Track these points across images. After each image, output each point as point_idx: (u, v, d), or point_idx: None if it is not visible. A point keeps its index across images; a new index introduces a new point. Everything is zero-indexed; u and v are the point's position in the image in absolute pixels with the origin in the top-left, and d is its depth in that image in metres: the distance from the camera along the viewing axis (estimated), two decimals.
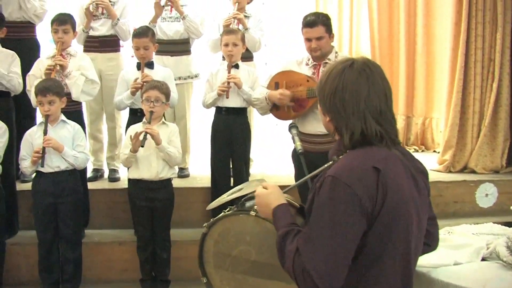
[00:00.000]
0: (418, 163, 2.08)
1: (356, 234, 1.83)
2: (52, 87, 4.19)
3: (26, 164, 4.20)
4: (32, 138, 4.26)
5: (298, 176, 4.29)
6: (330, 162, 2.01)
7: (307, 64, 4.26)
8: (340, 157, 1.96)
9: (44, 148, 4.07)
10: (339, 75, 1.95)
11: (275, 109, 4.37)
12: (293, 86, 4.20)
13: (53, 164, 4.15)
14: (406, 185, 1.91)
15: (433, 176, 5.40)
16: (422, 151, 6.82)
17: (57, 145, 4.12)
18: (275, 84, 4.33)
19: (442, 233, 3.56)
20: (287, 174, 5.44)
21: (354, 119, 1.91)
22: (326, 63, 4.13)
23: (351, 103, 1.91)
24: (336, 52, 4.24)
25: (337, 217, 1.81)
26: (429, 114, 6.85)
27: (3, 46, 4.77)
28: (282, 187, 2.21)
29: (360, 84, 1.92)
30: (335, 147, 2.03)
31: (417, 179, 1.98)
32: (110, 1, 5.32)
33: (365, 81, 1.93)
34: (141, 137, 4.06)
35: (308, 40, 4.14)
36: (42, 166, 4.10)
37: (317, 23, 4.10)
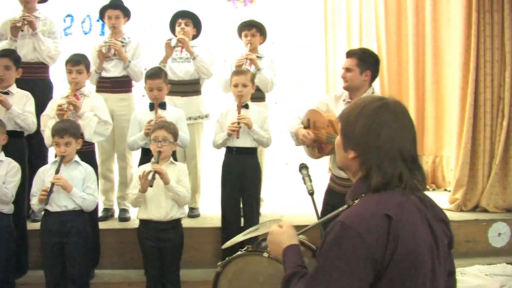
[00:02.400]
0: (439, 210, 2.00)
1: (362, 283, 1.77)
2: (70, 128, 4.24)
3: (34, 201, 4.22)
4: (44, 175, 4.29)
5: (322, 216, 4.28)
6: (345, 206, 1.99)
7: (344, 100, 4.26)
8: (355, 201, 1.92)
9: (52, 186, 4.08)
10: (375, 112, 1.91)
11: (306, 145, 4.40)
12: (318, 128, 4.23)
13: (61, 203, 4.16)
14: (421, 234, 1.83)
15: None
16: (433, 189, 6.80)
17: (66, 184, 4.13)
18: (307, 120, 4.35)
19: None
20: (298, 214, 5.45)
21: (387, 161, 1.87)
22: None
23: (386, 144, 1.87)
24: (373, 92, 4.20)
25: (342, 263, 1.77)
26: (440, 153, 6.85)
27: (17, 87, 4.85)
28: (294, 227, 2.20)
29: (396, 126, 1.89)
30: (352, 190, 1.98)
31: (434, 227, 1.89)
32: (122, 42, 5.40)
33: (400, 123, 1.91)
34: (149, 177, 4.06)
35: (342, 68, 4.22)
36: (46, 204, 4.11)
37: (352, 55, 4.17)
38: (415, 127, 1.97)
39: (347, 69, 4.14)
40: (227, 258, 2.56)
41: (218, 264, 2.56)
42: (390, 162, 1.86)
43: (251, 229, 2.72)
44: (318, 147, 4.26)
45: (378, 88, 6.83)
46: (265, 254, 2.39)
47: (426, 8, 6.77)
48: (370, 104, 1.94)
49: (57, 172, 4.14)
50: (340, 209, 2.04)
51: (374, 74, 4.20)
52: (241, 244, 2.73)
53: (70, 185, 4.15)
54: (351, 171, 2.00)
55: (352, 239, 1.76)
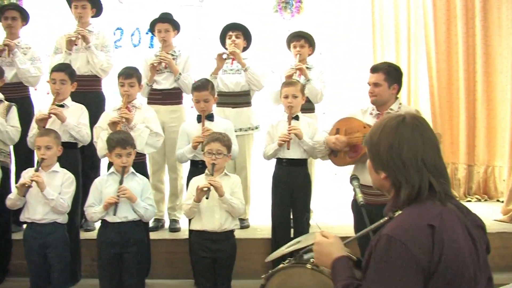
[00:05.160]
0: (475, 217, 2.06)
1: None
2: (130, 139, 4.34)
3: (95, 210, 4.27)
4: (102, 186, 4.35)
5: (357, 227, 4.30)
6: (386, 218, 2.04)
7: (371, 114, 4.31)
8: (396, 213, 1.97)
9: (118, 197, 4.16)
10: (394, 131, 1.99)
11: (333, 155, 4.43)
12: (351, 133, 4.26)
13: (121, 214, 4.22)
14: (462, 241, 1.90)
15: (497, 227, 5.26)
16: (485, 200, 6.68)
17: (131, 196, 4.21)
18: (336, 130, 4.38)
19: None
20: (347, 225, 5.39)
21: (413, 173, 1.94)
22: (389, 113, 4.12)
23: (409, 158, 1.94)
24: (400, 104, 4.27)
25: (393, 275, 1.82)
26: (491, 163, 6.73)
27: (71, 99, 4.96)
28: (342, 238, 2.23)
29: (416, 139, 1.96)
30: (390, 203, 2.05)
31: (473, 234, 1.95)
32: (172, 55, 5.47)
33: (419, 135, 1.97)
34: (205, 188, 4.09)
35: (368, 84, 4.26)
36: (115, 214, 4.18)
37: (378, 70, 4.23)
38: (436, 136, 2.04)
39: (375, 84, 4.19)
40: (270, 271, 2.57)
41: (262, 276, 2.59)
42: (416, 174, 1.94)
43: (293, 241, 2.76)
44: (350, 152, 4.29)
45: (428, 98, 6.76)
46: (308, 266, 2.41)
47: (476, 16, 6.69)
48: (389, 123, 2.04)
49: (121, 183, 4.22)
50: (381, 221, 2.09)
51: (400, 86, 4.27)
52: (283, 257, 2.75)
53: (135, 196, 4.23)
54: (386, 190, 2.08)
55: (399, 251, 1.82)
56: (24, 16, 5.61)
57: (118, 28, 7.04)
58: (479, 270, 1.92)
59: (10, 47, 5.33)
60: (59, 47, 5.49)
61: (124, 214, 4.23)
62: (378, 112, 4.25)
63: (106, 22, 6.25)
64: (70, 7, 5.52)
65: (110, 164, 4.51)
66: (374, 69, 4.26)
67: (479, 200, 6.65)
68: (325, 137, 4.40)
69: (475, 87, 6.73)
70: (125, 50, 6.95)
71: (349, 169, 4.56)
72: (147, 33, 6.90)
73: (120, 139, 4.27)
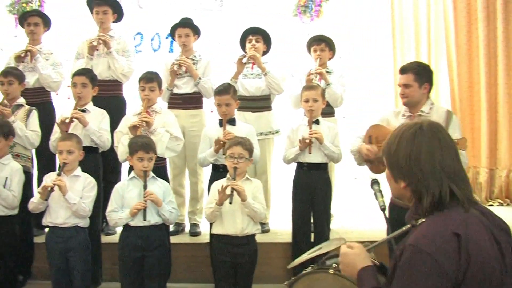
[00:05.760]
0: (500, 220, 2.04)
1: None
2: (152, 144, 4.36)
3: (120, 215, 4.27)
4: (124, 191, 4.36)
5: (389, 231, 4.25)
6: (409, 226, 2.04)
7: (403, 115, 4.22)
8: (419, 221, 1.96)
9: (145, 202, 4.17)
10: (411, 139, 2.00)
11: (369, 161, 4.36)
12: (382, 141, 4.19)
13: (146, 217, 4.21)
14: (489, 247, 1.88)
15: None
16: (507, 204, 6.62)
17: (158, 199, 4.23)
18: (368, 137, 4.34)
19: None
20: (368, 229, 5.39)
21: (432, 181, 1.93)
22: (420, 115, 4.08)
23: (427, 166, 1.94)
24: (431, 104, 4.18)
25: (419, 286, 1.81)
26: None
27: (93, 104, 5.00)
28: (363, 243, 2.25)
29: (433, 146, 1.96)
30: (412, 211, 2.04)
31: (499, 238, 1.94)
32: (192, 60, 5.49)
33: (437, 143, 1.97)
34: (227, 192, 4.09)
35: (399, 86, 4.19)
36: (145, 219, 4.19)
37: (407, 71, 4.13)
38: (454, 142, 2.04)
39: (405, 85, 4.11)
40: (292, 278, 2.59)
41: (285, 283, 2.60)
42: (435, 182, 1.94)
43: (314, 248, 2.75)
44: (382, 161, 4.21)
45: (448, 100, 6.71)
46: (331, 271, 2.41)
47: (497, 18, 6.65)
48: (406, 132, 2.04)
49: (145, 187, 4.22)
50: (404, 228, 2.09)
51: (431, 85, 4.18)
52: (305, 263, 2.75)
53: (160, 200, 4.25)
54: (406, 199, 2.08)
55: (425, 261, 1.81)
56: (46, 22, 5.68)
57: (138, 33, 7.08)
58: (505, 274, 1.90)
59: (32, 52, 5.39)
60: (81, 52, 5.55)
61: (148, 218, 4.22)
62: (410, 113, 4.17)
63: (126, 27, 6.29)
64: (92, 12, 5.58)
65: (130, 169, 4.53)
66: (403, 70, 4.17)
67: (501, 204, 6.59)
68: (359, 145, 4.35)
69: (497, 90, 6.68)
70: (145, 54, 6.99)
71: (370, 173, 4.53)
72: (166, 38, 6.94)
73: (144, 143, 4.29)
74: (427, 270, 1.80)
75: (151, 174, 4.36)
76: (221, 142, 4.60)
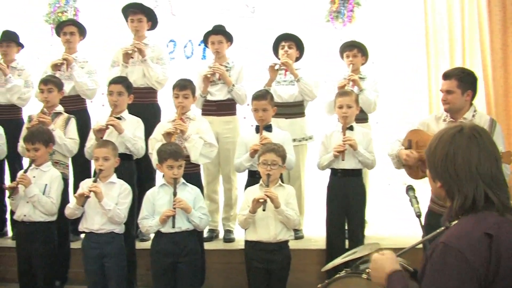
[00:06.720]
0: None
1: None
2: (181, 151, 4.40)
3: (150, 223, 4.31)
4: (154, 198, 4.41)
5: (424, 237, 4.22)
6: (443, 228, 2.04)
7: (444, 120, 4.18)
8: (452, 223, 1.98)
9: (174, 209, 4.21)
10: (450, 141, 2.00)
11: (408, 166, 4.32)
12: (422, 146, 4.16)
13: (176, 224, 4.25)
14: None
15: None
16: None
17: (187, 206, 4.26)
18: (408, 141, 4.30)
19: None
20: (403, 236, 5.34)
21: (466, 184, 1.94)
22: (462, 122, 4.02)
23: (463, 168, 1.95)
24: (475, 111, 4.12)
25: (449, 283, 1.82)
26: None
27: (128, 111, 5.06)
28: (398, 249, 2.30)
29: (471, 149, 1.96)
30: (447, 213, 2.04)
31: None
32: (226, 67, 5.52)
33: (476, 146, 1.97)
34: (261, 200, 4.10)
35: (441, 92, 4.14)
36: (173, 227, 4.22)
37: (451, 77, 4.08)
38: (497, 147, 2.03)
39: (448, 92, 4.06)
40: (326, 281, 2.62)
41: (318, 286, 2.61)
42: (469, 184, 1.94)
43: (349, 252, 2.81)
44: (421, 167, 4.18)
45: (484, 106, 6.61)
46: (364, 276, 2.42)
47: None
48: (446, 133, 2.06)
49: (175, 194, 4.26)
50: (438, 230, 2.12)
51: (475, 93, 4.12)
52: (339, 267, 2.76)
53: (190, 207, 4.28)
54: (442, 199, 2.09)
55: (455, 259, 1.82)
56: (82, 31, 5.78)
57: (171, 40, 7.16)
58: None
59: (68, 61, 5.49)
60: (116, 60, 5.62)
61: (179, 224, 4.26)
62: (451, 119, 4.12)
63: (159, 34, 6.34)
64: (127, 21, 5.66)
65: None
66: (446, 76, 4.11)
67: None
68: (398, 150, 4.32)
69: None
70: (178, 62, 7.05)
71: (403, 179, 4.50)
72: (199, 45, 7.01)
73: (173, 151, 4.33)
74: (457, 267, 1.81)
75: (182, 180, 4.40)
76: (257, 146, 4.60)
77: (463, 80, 4.04)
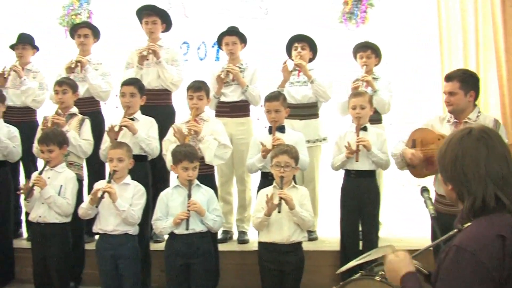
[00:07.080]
0: None
1: None
2: (196, 153, 4.41)
3: (164, 224, 4.32)
4: (168, 199, 4.41)
5: (433, 239, 4.21)
6: (455, 230, 2.06)
7: (448, 121, 4.22)
8: (465, 225, 1.98)
9: (189, 211, 4.21)
10: (458, 143, 2.01)
11: (411, 167, 4.34)
12: (426, 144, 4.19)
13: (189, 226, 4.25)
14: None
15: None
16: None
17: (201, 209, 4.26)
18: (412, 141, 4.32)
19: None
20: (417, 237, 5.31)
21: (475, 185, 1.95)
22: (467, 122, 4.06)
23: (471, 169, 1.96)
24: (479, 112, 4.15)
25: (463, 286, 1.82)
26: None
27: (143, 113, 5.08)
28: (412, 251, 2.30)
29: (479, 150, 1.97)
30: (459, 215, 2.06)
31: None
32: (239, 68, 5.53)
33: (484, 147, 1.97)
34: (275, 201, 4.09)
35: (444, 94, 4.18)
36: (187, 229, 4.22)
37: (453, 78, 4.12)
38: (508, 148, 2.03)
39: (450, 93, 4.10)
40: (340, 283, 2.68)
41: None
42: (479, 186, 1.95)
43: (364, 255, 2.77)
44: (426, 165, 4.21)
45: (498, 106, 6.57)
46: (377, 278, 2.48)
47: None
48: (455, 136, 2.08)
49: (189, 197, 4.26)
50: (450, 233, 2.12)
51: (477, 93, 4.15)
52: (354, 269, 2.76)
53: (204, 209, 4.28)
54: (454, 201, 2.10)
55: (468, 261, 1.83)
56: (96, 33, 5.82)
57: (184, 42, 7.16)
58: None
59: (82, 63, 5.52)
60: (131, 62, 5.66)
61: (192, 226, 4.26)
62: (455, 120, 4.16)
63: (173, 36, 6.35)
64: (141, 23, 5.68)
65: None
66: (448, 78, 4.16)
67: None
68: (402, 149, 4.34)
69: None
70: (191, 63, 7.05)
71: (417, 180, 4.48)
72: (213, 47, 7.00)
73: (188, 153, 4.33)
74: (470, 269, 1.82)
75: (196, 181, 4.40)
76: (269, 147, 4.61)
77: (465, 81, 4.08)
